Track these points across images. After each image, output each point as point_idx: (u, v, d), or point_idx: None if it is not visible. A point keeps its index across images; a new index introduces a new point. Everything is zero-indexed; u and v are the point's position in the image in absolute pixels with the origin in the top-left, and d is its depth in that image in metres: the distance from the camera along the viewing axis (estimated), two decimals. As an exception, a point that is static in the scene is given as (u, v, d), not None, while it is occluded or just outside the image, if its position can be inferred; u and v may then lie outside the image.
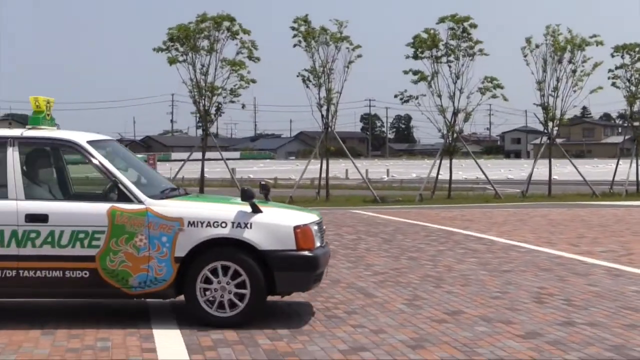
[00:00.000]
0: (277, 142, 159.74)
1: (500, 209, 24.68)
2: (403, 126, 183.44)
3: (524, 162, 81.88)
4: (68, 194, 8.89)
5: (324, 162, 29.75)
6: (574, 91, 30.77)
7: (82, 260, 8.12)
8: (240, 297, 8.17)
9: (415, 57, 29.88)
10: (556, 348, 7.36)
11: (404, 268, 12.12)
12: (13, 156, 8.40)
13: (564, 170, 48.59)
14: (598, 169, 58.76)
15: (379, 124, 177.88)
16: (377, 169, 63.33)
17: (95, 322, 8.37)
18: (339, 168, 52.31)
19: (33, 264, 8.13)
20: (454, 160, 31.64)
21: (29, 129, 8.79)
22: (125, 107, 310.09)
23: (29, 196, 8.31)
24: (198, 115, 29.25)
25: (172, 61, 27.93)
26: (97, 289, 8.21)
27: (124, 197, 8.24)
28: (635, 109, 32.76)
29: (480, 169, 32.32)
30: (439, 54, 29.80)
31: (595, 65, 30.58)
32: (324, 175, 29.93)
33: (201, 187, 29.36)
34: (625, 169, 32.61)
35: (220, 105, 28.81)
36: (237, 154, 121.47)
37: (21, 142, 8.54)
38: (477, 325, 8.29)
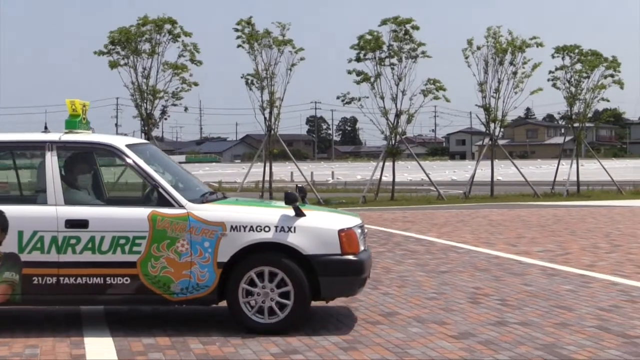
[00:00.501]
0: (223, 145, 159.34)
1: (442, 210, 24.83)
2: (349, 128, 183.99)
3: (469, 164, 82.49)
4: (108, 199, 8.69)
5: (268, 164, 29.73)
6: (515, 92, 31.09)
7: (123, 267, 7.94)
8: (284, 303, 7.97)
9: (359, 59, 29.91)
10: (487, 348, 7.41)
11: (342, 270, 12.09)
12: (52, 161, 8.23)
13: (508, 171, 49.05)
14: (541, 170, 59.40)
15: (325, 126, 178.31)
16: (323, 171, 63.43)
17: (25, 330, 8.24)
18: (285, 171, 52.26)
19: (73, 270, 7.95)
20: (399, 162, 31.76)
21: (66, 132, 8.57)
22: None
23: (68, 201, 8.12)
24: (141, 119, 29.00)
25: (113, 65, 27.73)
26: (138, 295, 8.02)
27: (165, 201, 8.04)
28: (576, 110, 33.12)
29: (423, 170, 32.48)
30: (383, 55, 29.86)
31: (535, 66, 30.89)
32: (267, 178, 29.89)
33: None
34: (567, 170, 33.01)
35: (165, 109, 28.71)
36: (182, 158, 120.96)
37: (59, 146, 8.37)
38: (410, 326, 8.32)
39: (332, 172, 59.64)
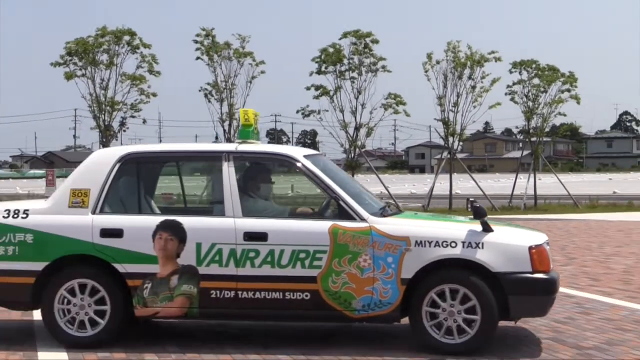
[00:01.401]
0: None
1: (401, 223, 24.79)
2: (309, 141, 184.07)
3: (428, 177, 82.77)
4: (285, 211, 8.44)
5: (227, 177, 29.63)
6: (474, 107, 31.22)
7: (303, 281, 7.65)
8: (470, 322, 7.58)
9: (319, 72, 29.90)
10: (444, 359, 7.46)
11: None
12: (229, 172, 8.01)
13: (466, 184, 49.29)
14: (500, 183, 59.76)
15: (285, 139, 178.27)
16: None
17: (-23, 343, 8.13)
18: (244, 183, 52.05)
19: (252, 284, 7.70)
20: (359, 175, 31.79)
21: (240, 142, 8.38)
22: (26, 122, 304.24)
23: (246, 213, 7.89)
24: (99, 130, 28.80)
25: (69, 76, 27.48)
26: (317, 311, 7.72)
27: (346, 214, 7.75)
28: (533, 124, 33.36)
29: (382, 183, 32.60)
30: (343, 68, 29.89)
31: (494, 81, 31.06)
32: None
33: (101, 203, 28.80)
34: (524, 183, 33.25)
35: (123, 120, 28.56)
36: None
37: (236, 156, 8.14)
38: (358, 340, 8.32)
39: (292, 185, 59.54)
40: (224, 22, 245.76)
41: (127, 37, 27.74)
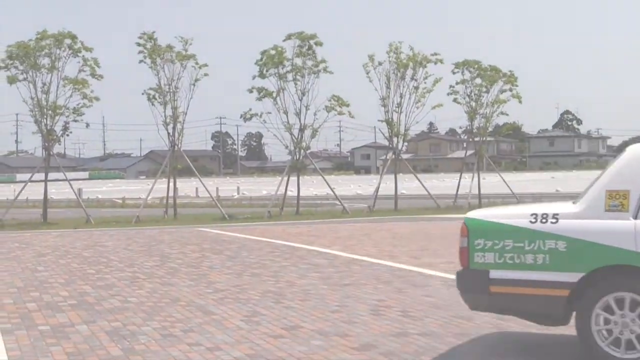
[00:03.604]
0: (127, 161, 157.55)
1: (346, 224, 24.96)
2: (254, 144, 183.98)
3: (373, 178, 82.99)
4: None
5: (172, 180, 29.51)
6: (417, 107, 31.49)
7: None
8: None
9: (262, 75, 29.88)
10: (388, 359, 7.47)
11: (245, 285, 12.07)
12: None
13: (411, 185, 49.56)
14: (445, 183, 60.16)
15: (230, 142, 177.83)
16: (228, 186, 63.19)
17: None
18: (190, 186, 51.90)
19: None
20: (305, 177, 31.89)
21: None
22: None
23: None
24: (41, 135, 28.42)
25: (11, 80, 27.10)
26: None
27: None
28: (476, 124, 33.69)
29: (328, 184, 32.65)
30: (285, 71, 29.91)
31: (436, 81, 31.35)
32: (172, 193, 29.65)
33: (44, 208, 28.51)
34: (469, 183, 33.55)
35: (66, 125, 28.20)
36: (85, 174, 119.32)
37: None
38: (313, 339, 8.33)
39: (238, 187, 59.42)
40: (167, 24, 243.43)
41: (68, 41, 27.43)
